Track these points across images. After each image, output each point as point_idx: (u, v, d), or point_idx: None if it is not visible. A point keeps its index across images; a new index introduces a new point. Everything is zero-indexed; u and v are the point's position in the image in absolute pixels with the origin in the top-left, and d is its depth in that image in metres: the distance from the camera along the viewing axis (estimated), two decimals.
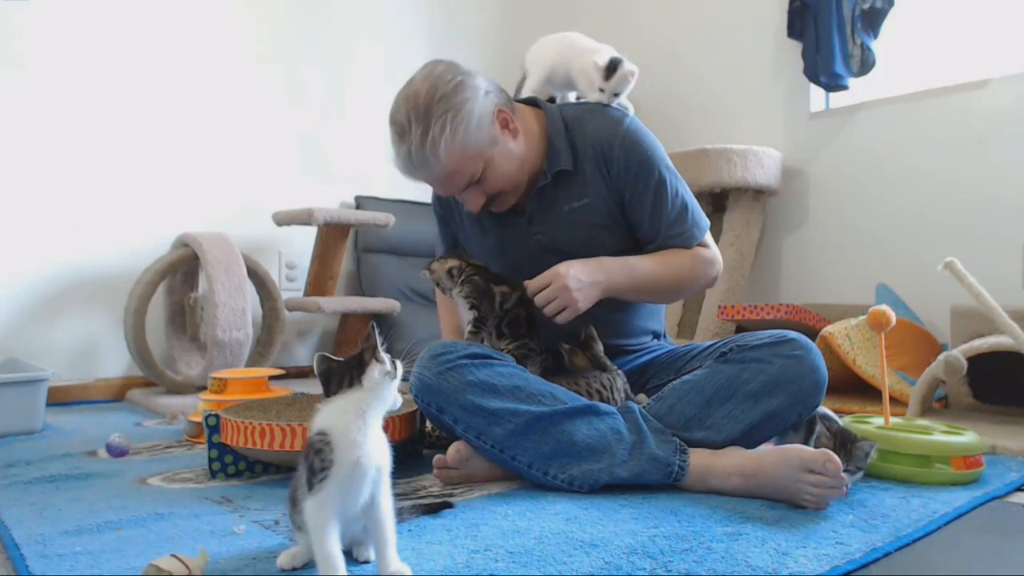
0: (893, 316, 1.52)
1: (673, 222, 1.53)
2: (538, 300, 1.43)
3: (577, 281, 1.41)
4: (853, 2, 2.73)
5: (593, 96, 1.61)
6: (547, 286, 1.42)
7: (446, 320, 1.81)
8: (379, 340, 0.93)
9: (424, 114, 1.39)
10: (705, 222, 1.59)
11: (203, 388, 2.15)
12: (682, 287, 1.58)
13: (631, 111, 1.60)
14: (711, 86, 3.26)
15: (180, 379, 2.49)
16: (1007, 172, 2.45)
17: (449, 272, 1.54)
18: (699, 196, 2.10)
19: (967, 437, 1.46)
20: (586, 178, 1.53)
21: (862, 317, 2.11)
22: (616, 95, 1.59)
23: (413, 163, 1.43)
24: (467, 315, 1.54)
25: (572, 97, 1.78)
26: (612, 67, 1.56)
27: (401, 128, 1.42)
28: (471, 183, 1.47)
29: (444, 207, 1.73)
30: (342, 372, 0.92)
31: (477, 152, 1.43)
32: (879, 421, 1.56)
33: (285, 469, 1.48)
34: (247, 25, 2.93)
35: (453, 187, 1.48)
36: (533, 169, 1.53)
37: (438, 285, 1.59)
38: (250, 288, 2.48)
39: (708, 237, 1.59)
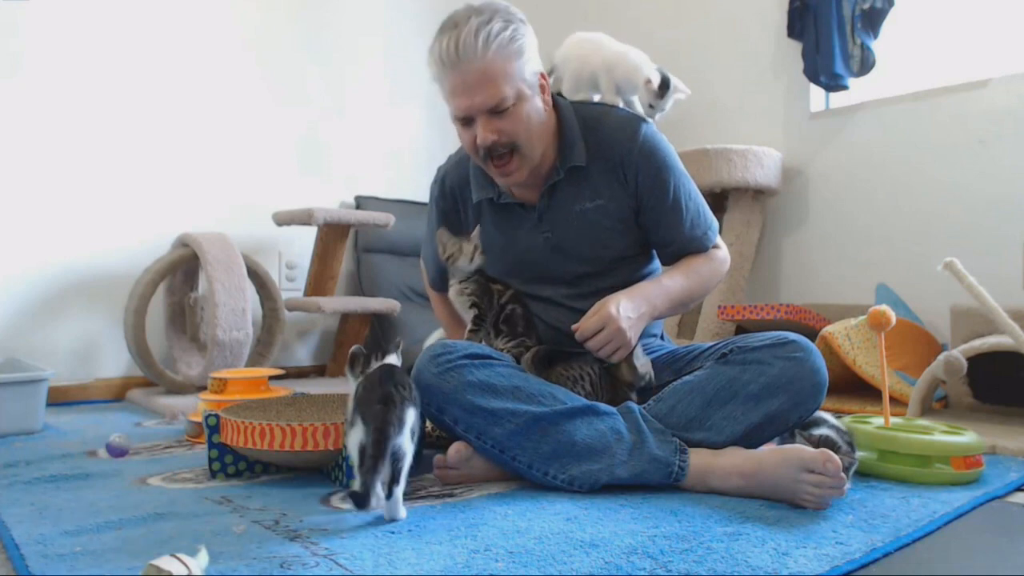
0: (893, 316, 1.52)
1: (690, 229, 1.55)
2: (591, 345, 1.41)
3: (627, 319, 1.41)
4: (853, 2, 2.73)
5: (610, 98, 1.62)
6: (599, 330, 1.40)
7: (443, 313, 1.80)
8: None
9: (488, 13, 1.39)
10: (716, 223, 1.62)
11: (203, 388, 2.15)
12: (706, 292, 1.61)
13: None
14: (711, 86, 3.25)
15: (180, 379, 2.49)
16: (1007, 172, 2.44)
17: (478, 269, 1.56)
18: None
19: (967, 437, 1.46)
20: (600, 179, 1.53)
21: (862, 317, 2.10)
22: (661, 111, 1.61)
23: (457, 49, 1.37)
24: (467, 314, 1.56)
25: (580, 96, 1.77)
26: (664, 85, 1.58)
27: (455, 20, 1.40)
28: (496, 109, 1.40)
29: (449, 201, 1.68)
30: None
31: (519, 76, 1.41)
32: (879, 421, 1.56)
33: (285, 469, 1.48)
34: (247, 25, 2.93)
35: (477, 99, 1.39)
36: (546, 160, 1.53)
37: (458, 264, 1.57)
38: (250, 288, 2.48)
39: (718, 236, 1.62)
